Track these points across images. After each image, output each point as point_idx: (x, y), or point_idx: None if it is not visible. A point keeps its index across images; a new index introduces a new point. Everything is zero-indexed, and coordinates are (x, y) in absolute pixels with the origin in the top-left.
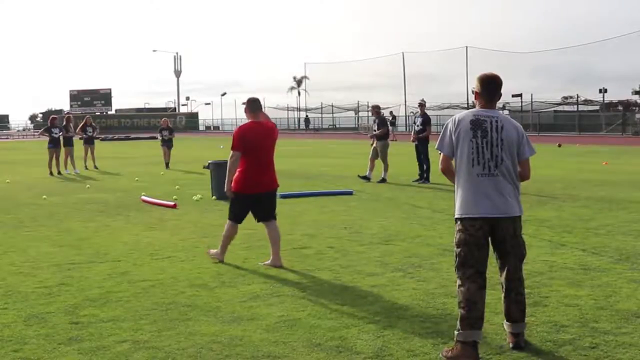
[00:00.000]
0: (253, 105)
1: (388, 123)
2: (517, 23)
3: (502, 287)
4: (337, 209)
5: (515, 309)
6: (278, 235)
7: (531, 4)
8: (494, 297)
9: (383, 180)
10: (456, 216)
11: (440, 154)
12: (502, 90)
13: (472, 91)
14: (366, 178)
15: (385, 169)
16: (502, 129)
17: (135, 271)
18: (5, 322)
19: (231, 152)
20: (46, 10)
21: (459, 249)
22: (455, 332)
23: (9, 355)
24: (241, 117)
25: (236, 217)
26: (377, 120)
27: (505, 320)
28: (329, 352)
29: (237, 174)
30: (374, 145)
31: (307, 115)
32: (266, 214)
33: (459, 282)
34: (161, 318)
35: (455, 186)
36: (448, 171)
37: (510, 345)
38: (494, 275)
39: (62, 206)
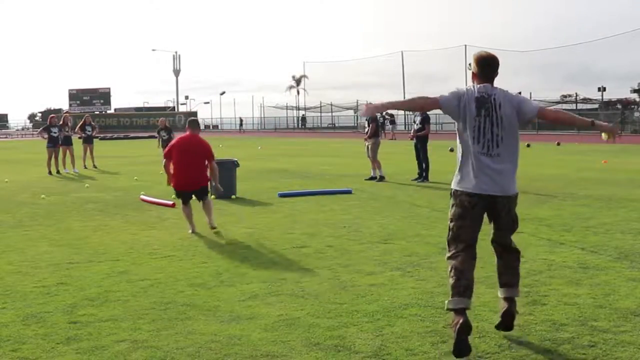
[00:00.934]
0: (191, 124)
1: (379, 121)
2: (516, 22)
3: (496, 256)
4: (336, 208)
5: (509, 273)
6: (210, 206)
7: (530, 3)
8: (492, 295)
9: (381, 179)
10: (454, 189)
11: (436, 97)
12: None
13: (469, 68)
14: (373, 178)
15: (379, 167)
16: (500, 107)
17: (134, 270)
18: (4, 322)
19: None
20: (45, 9)
21: (452, 223)
22: (446, 302)
23: (7, 355)
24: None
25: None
26: (368, 119)
27: (499, 287)
28: (328, 351)
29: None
30: (367, 143)
31: (303, 115)
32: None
33: (449, 254)
34: (160, 317)
35: (458, 159)
36: (423, 106)
37: (500, 311)
38: (493, 274)
39: (61, 205)
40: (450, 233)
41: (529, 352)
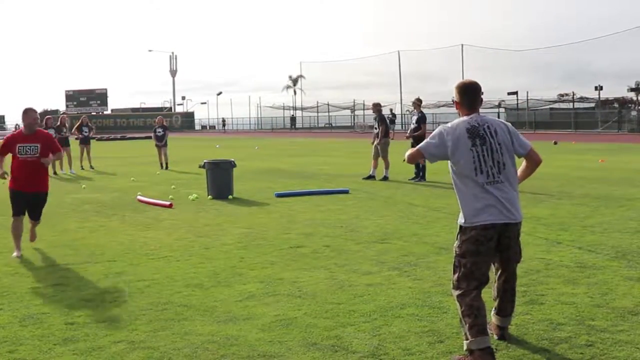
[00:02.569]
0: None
1: (387, 121)
2: (513, 21)
3: (499, 288)
4: (333, 207)
5: (510, 306)
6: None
7: (527, 2)
8: (487, 294)
9: (385, 179)
10: (464, 225)
11: (419, 148)
12: (497, 88)
13: (452, 101)
14: (371, 177)
15: (387, 167)
16: (497, 133)
17: (130, 271)
18: (1, 323)
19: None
20: (41, 10)
21: (464, 260)
22: (466, 342)
23: (4, 356)
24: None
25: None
26: (377, 118)
27: (495, 314)
28: (325, 352)
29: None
30: (375, 143)
31: (292, 115)
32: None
33: (459, 291)
34: (157, 318)
35: (458, 192)
36: (412, 161)
37: (496, 337)
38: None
39: (58, 206)
40: (463, 270)
41: (526, 352)
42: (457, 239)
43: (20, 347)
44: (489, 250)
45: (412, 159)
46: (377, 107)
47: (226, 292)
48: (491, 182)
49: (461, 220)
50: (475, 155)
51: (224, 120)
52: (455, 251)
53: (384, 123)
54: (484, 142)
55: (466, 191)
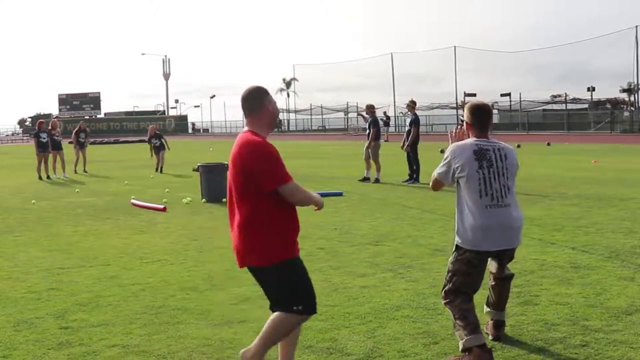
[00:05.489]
0: None
1: (381, 123)
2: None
3: (493, 278)
4: (327, 210)
5: (504, 298)
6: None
7: (519, 3)
8: (482, 295)
9: (377, 181)
10: (461, 246)
11: (435, 175)
12: (490, 90)
13: (461, 121)
14: (366, 179)
15: (378, 169)
16: (506, 158)
17: (125, 275)
18: None
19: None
20: (34, 14)
21: (455, 277)
22: (462, 342)
23: None
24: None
25: None
26: (370, 120)
27: (490, 309)
28: (320, 354)
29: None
30: (365, 146)
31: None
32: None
33: (446, 300)
34: (151, 322)
35: (460, 212)
36: (437, 188)
37: (491, 337)
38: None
39: (51, 210)
40: (451, 285)
41: (521, 352)
42: (452, 254)
43: (14, 351)
44: (480, 271)
45: (435, 187)
46: (371, 109)
47: (221, 295)
48: (495, 205)
49: (458, 240)
50: (481, 177)
51: (193, 125)
52: (449, 266)
53: (377, 126)
54: (491, 165)
55: (468, 211)
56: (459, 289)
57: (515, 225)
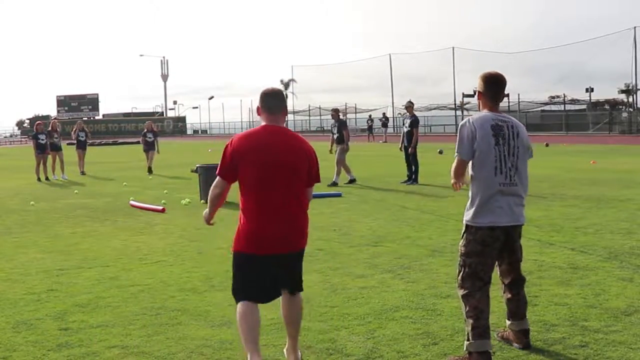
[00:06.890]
0: None
1: (379, 124)
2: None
3: (508, 289)
4: (326, 211)
5: (523, 306)
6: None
7: (518, 4)
8: (494, 292)
9: (334, 184)
10: (471, 223)
11: (456, 156)
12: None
13: (474, 91)
14: (352, 181)
15: (338, 173)
16: (518, 136)
17: (124, 276)
18: None
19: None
20: (32, 15)
21: (469, 259)
22: (466, 343)
23: None
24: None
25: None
26: (337, 124)
27: (512, 321)
28: (320, 355)
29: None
30: (330, 149)
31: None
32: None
33: (464, 291)
34: (151, 323)
35: (471, 190)
36: (460, 175)
37: (520, 346)
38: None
39: (50, 212)
40: (467, 269)
41: (520, 353)
42: (462, 237)
43: (14, 353)
44: (494, 250)
45: (458, 172)
46: (336, 113)
47: (220, 296)
48: (507, 184)
49: (467, 218)
50: (497, 154)
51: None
52: (461, 250)
53: (345, 128)
54: (505, 142)
55: (481, 189)
56: (476, 273)
57: (521, 201)
